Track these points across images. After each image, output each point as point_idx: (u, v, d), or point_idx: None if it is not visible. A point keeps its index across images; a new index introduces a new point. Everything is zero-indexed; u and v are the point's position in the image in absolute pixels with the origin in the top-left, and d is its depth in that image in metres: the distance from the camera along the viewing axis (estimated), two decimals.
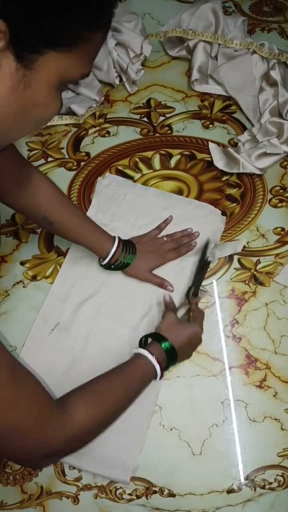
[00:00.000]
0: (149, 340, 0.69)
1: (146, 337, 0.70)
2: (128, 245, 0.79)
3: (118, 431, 0.69)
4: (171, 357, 0.66)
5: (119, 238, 0.78)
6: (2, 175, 0.64)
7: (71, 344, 0.76)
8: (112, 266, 0.79)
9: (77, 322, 0.78)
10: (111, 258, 0.77)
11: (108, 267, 0.79)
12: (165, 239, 0.83)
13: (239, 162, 0.90)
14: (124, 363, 0.64)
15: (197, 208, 0.88)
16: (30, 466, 0.52)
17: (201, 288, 0.80)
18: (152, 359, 0.64)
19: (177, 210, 0.88)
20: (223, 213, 0.87)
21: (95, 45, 0.40)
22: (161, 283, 0.79)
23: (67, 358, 0.75)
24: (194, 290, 0.77)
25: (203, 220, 0.86)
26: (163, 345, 0.66)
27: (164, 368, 0.66)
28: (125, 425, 0.69)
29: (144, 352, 0.64)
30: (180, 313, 0.77)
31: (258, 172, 0.90)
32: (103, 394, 0.58)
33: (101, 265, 0.79)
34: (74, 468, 0.69)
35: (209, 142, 0.95)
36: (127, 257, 0.78)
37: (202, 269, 0.80)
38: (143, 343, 0.70)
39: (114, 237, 0.78)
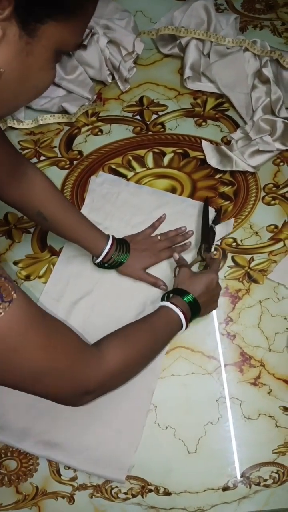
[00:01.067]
0: (171, 295, 0.70)
1: (168, 293, 0.72)
2: (122, 244, 0.79)
3: (113, 430, 0.69)
4: (194, 309, 0.69)
5: (113, 236, 0.78)
6: None
7: None
8: (106, 265, 0.78)
9: (71, 321, 0.77)
10: (104, 257, 0.76)
11: (101, 265, 0.79)
12: (159, 237, 0.83)
13: (232, 160, 0.90)
14: (151, 314, 0.68)
15: (191, 206, 0.88)
16: (71, 404, 0.55)
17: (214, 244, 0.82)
18: (177, 310, 0.67)
19: (171, 208, 0.87)
20: (217, 211, 0.87)
21: (88, 15, 0.44)
22: (155, 282, 0.79)
23: None
24: (205, 246, 0.79)
25: (196, 218, 0.86)
26: (185, 298, 0.68)
27: (189, 320, 0.69)
28: (120, 425, 0.69)
29: (168, 304, 0.67)
30: (194, 269, 0.77)
31: (251, 169, 0.90)
32: (133, 338, 0.62)
33: (95, 264, 0.79)
34: (69, 468, 0.69)
35: (202, 140, 0.95)
36: (121, 256, 0.78)
37: (206, 228, 0.82)
38: (165, 299, 0.71)
39: (108, 236, 0.78)
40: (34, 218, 0.74)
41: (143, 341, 0.63)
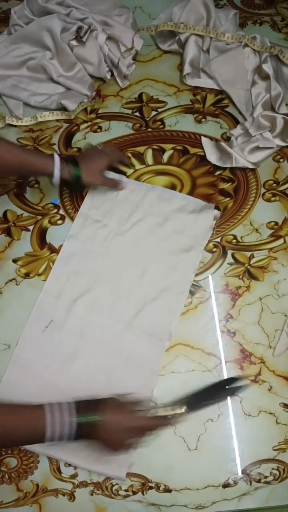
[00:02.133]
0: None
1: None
2: (68, 159, 0.81)
3: None
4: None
5: (56, 153, 0.83)
6: None
7: (65, 341, 0.76)
8: (67, 184, 0.83)
9: (71, 319, 0.77)
10: (61, 173, 0.78)
11: (65, 184, 0.85)
12: (99, 146, 0.87)
13: (232, 157, 0.89)
14: (24, 405, 0.56)
15: (191, 203, 0.88)
16: None
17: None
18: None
19: (171, 205, 0.87)
20: (217, 208, 0.87)
21: None
22: (115, 184, 0.86)
23: (61, 355, 0.74)
24: (187, 400, 0.63)
25: (196, 215, 0.86)
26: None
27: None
28: None
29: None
30: None
31: (251, 166, 0.90)
32: None
33: (54, 184, 0.81)
34: (69, 465, 0.69)
35: (202, 137, 0.95)
36: (73, 168, 0.80)
37: (213, 389, 0.65)
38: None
39: (52, 154, 0.81)
40: None
41: None
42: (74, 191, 0.89)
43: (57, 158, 0.78)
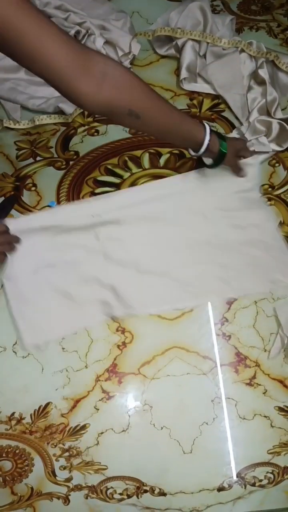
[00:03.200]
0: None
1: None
2: (216, 133, 0.76)
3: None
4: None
5: (208, 124, 0.74)
6: (60, 69, 0.55)
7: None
8: (211, 162, 0.79)
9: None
10: (210, 144, 0.72)
11: (200, 161, 0.81)
12: None
13: None
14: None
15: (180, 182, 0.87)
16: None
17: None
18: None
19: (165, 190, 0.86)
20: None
21: None
22: (242, 173, 0.83)
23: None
24: None
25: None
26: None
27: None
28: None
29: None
30: None
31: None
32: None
33: (196, 156, 0.75)
34: (64, 468, 0.69)
35: None
36: (222, 143, 0.74)
37: None
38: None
39: (203, 124, 0.73)
40: (124, 119, 0.65)
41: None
42: (211, 167, 0.81)
43: (207, 127, 0.72)
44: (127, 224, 0.82)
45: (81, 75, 0.55)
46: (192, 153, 0.75)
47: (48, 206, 0.89)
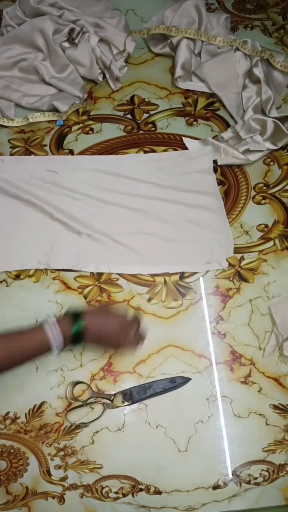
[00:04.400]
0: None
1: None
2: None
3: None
4: (76, 339, 0.65)
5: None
6: None
7: None
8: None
9: None
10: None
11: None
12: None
13: (220, 149, 0.91)
14: (26, 329, 0.64)
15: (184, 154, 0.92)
16: None
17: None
18: (51, 337, 0.62)
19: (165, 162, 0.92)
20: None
21: None
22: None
23: None
24: None
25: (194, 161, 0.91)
26: (74, 328, 0.64)
27: (67, 345, 0.65)
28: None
29: (46, 325, 0.63)
30: None
31: (241, 157, 0.90)
32: None
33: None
34: (59, 467, 0.68)
35: (183, 137, 0.95)
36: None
37: None
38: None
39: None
40: None
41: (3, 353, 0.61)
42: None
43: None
44: (81, 185, 0.89)
45: None
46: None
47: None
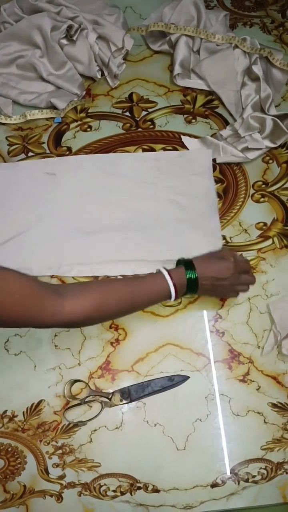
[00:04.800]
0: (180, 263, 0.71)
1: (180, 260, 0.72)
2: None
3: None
4: (192, 287, 0.68)
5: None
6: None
7: None
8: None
9: None
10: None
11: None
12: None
13: (219, 147, 0.90)
14: (142, 276, 0.72)
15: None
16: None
17: None
18: (170, 284, 0.66)
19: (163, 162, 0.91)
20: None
21: None
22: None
23: None
24: None
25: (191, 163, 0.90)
26: (188, 275, 0.67)
27: (182, 295, 0.69)
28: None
29: (164, 272, 0.67)
30: None
31: (240, 155, 0.89)
32: (106, 298, 0.62)
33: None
34: (57, 466, 0.68)
35: (181, 135, 0.95)
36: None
37: None
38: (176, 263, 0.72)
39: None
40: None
41: (117, 303, 0.63)
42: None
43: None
44: (80, 185, 0.88)
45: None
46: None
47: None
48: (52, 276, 0.80)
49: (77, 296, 0.59)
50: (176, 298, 0.67)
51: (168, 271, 0.67)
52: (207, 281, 0.69)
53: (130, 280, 0.71)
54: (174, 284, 0.66)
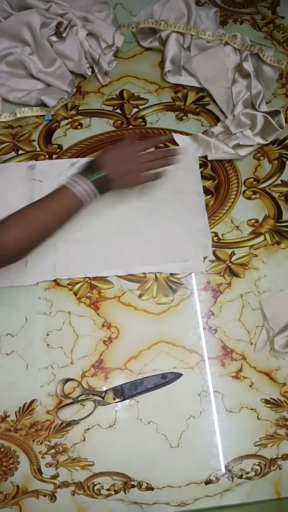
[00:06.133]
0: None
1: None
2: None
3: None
4: (102, 185, 0.72)
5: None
6: None
7: None
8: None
9: None
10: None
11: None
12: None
13: (210, 144, 0.90)
14: (50, 194, 0.70)
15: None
16: None
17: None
18: (78, 194, 0.69)
19: None
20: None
21: None
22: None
23: None
24: None
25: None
26: (92, 177, 0.70)
27: (98, 194, 0.72)
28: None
29: (68, 185, 0.69)
30: None
31: (231, 152, 0.89)
32: (29, 221, 0.66)
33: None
34: (50, 465, 0.68)
35: (173, 133, 0.95)
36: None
37: None
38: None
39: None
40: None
41: (40, 224, 0.67)
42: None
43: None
44: None
45: None
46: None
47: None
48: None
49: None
50: (89, 201, 0.71)
51: (71, 180, 0.70)
52: (113, 171, 0.71)
53: (38, 203, 0.70)
54: (87, 192, 0.69)
